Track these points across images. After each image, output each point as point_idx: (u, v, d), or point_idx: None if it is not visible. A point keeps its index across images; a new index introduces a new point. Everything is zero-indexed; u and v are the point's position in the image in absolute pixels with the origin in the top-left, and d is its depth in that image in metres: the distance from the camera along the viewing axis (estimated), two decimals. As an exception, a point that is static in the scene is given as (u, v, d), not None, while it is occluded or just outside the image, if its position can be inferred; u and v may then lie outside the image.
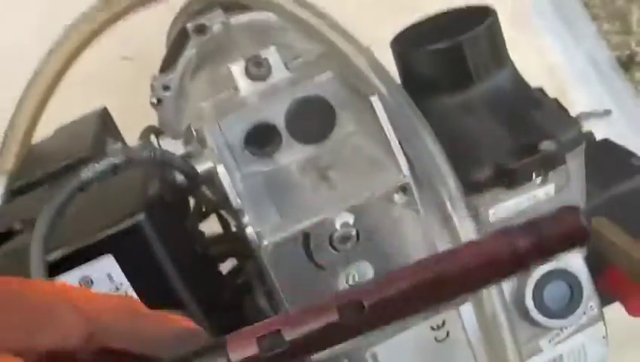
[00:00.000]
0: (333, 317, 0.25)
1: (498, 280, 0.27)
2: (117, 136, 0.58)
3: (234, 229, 0.57)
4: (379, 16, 0.92)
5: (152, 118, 0.79)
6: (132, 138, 0.64)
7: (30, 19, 0.99)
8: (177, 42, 0.68)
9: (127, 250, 0.37)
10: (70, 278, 0.37)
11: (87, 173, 0.36)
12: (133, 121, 0.78)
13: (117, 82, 0.95)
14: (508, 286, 0.48)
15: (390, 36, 0.54)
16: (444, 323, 0.44)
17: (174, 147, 0.51)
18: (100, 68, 0.86)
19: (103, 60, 0.81)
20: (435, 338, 0.44)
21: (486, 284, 0.27)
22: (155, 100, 0.65)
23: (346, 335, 0.25)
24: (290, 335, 0.24)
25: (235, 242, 0.49)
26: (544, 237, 0.27)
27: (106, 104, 0.88)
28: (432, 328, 0.44)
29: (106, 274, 0.38)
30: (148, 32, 0.73)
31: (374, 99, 0.40)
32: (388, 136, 0.40)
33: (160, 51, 0.87)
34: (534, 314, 0.48)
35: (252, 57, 0.47)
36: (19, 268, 0.39)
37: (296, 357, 0.25)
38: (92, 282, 0.38)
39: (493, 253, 0.26)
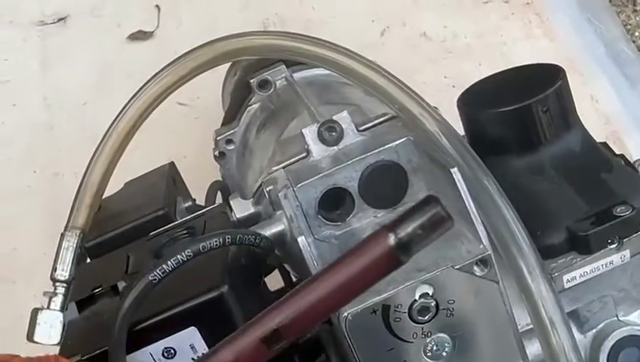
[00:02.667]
0: None
1: None
2: (185, 192, 0.59)
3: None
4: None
5: (204, 160, 0.80)
6: (188, 179, 0.65)
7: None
8: (238, 95, 0.69)
9: (210, 320, 0.38)
10: (153, 350, 0.38)
11: (156, 273, 0.37)
12: (189, 162, 0.79)
13: (172, 125, 0.96)
14: (582, 353, 0.48)
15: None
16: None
17: (244, 207, 0.52)
18: (157, 112, 0.87)
19: (161, 105, 0.83)
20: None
21: None
22: (217, 153, 0.66)
23: None
24: None
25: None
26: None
27: (163, 146, 0.90)
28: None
29: (188, 345, 0.38)
30: (200, 80, 0.75)
31: (454, 171, 0.41)
32: (468, 207, 0.40)
33: (211, 98, 0.89)
34: (609, 382, 0.48)
35: (325, 122, 0.48)
36: (99, 331, 0.40)
37: None
38: (175, 353, 0.38)
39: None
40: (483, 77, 0.58)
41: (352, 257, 0.33)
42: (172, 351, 0.38)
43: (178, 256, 0.37)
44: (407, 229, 0.32)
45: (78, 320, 0.43)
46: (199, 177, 0.68)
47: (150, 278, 0.36)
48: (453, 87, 0.96)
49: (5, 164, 0.93)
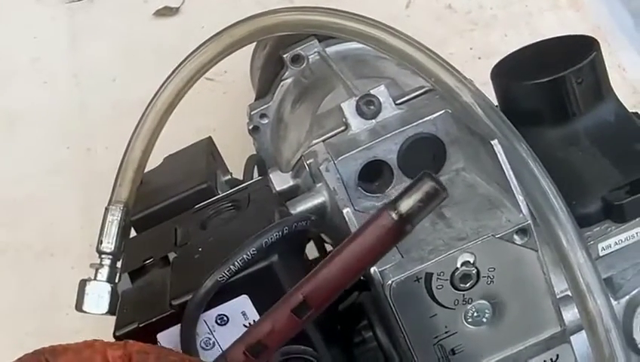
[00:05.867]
0: None
1: None
2: (223, 166, 0.61)
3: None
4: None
5: (233, 133, 0.81)
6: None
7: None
8: (270, 70, 0.70)
9: (261, 288, 0.40)
10: (207, 317, 0.40)
11: (224, 274, 0.39)
12: (218, 135, 0.79)
13: (201, 100, 0.97)
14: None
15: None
16: (557, 357, 0.45)
17: (283, 179, 0.53)
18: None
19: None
20: (549, 372, 0.45)
21: None
22: (251, 127, 0.67)
23: None
24: None
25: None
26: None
27: (192, 120, 0.91)
28: (546, 362, 0.45)
29: (240, 312, 0.40)
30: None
31: (495, 143, 0.42)
32: (508, 178, 0.41)
33: (238, 72, 0.90)
34: (642, 346, 0.49)
35: (363, 96, 0.49)
36: (152, 300, 0.42)
37: None
38: (228, 320, 0.40)
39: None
40: (509, 47, 0.58)
41: (364, 232, 0.37)
42: (225, 317, 0.40)
43: (244, 256, 0.39)
44: (408, 203, 0.37)
45: (132, 290, 0.45)
46: (228, 150, 0.70)
47: (219, 279, 0.39)
48: (479, 58, 0.96)
49: (39, 141, 0.95)
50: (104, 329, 0.64)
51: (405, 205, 0.36)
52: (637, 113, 0.59)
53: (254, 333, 0.37)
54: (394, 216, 0.36)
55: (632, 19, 0.99)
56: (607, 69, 0.57)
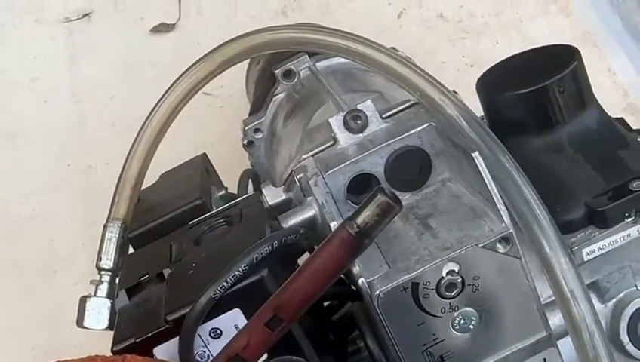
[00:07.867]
0: None
1: None
2: (218, 182, 0.62)
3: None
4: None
5: (231, 147, 0.83)
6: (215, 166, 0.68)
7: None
8: (263, 85, 0.71)
9: (252, 302, 0.41)
10: (201, 331, 0.41)
11: (217, 290, 0.41)
12: (215, 150, 0.81)
13: (198, 115, 0.99)
14: (603, 322, 0.50)
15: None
16: (545, 361, 0.46)
17: (275, 194, 0.55)
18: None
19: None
20: (536, 376, 0.46)
21: None
22: (246, 142, 0.69)
23: None
24: None
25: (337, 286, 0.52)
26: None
27: (190, 135, 0.92)
28: (533, 367, 0.46)
29: (233, 325, 0.41)
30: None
31: (476, 155, 0.43)
32: (490, 189, 0.43)
33: (234, 86, 0.92)
34: (629, 348, 0.50)
35: (350, 111, 0.50)
36: (149, 316, 0.43)
37: None
38: (221, 333, 0.41)
39: None
40: (500, 55, 0.59)
41: (326, 248, 0.40)
42: (218, 331, 0.41)
43: (236, 272, 0.40)
44: (364, 219, 0.39)
45: (129, 307, 0.46)
46: (226, 164, 0.71)
47: (212, 296, 0.40)
48: (472, 66, 0.98)
49: (40, 159, 0.97)
50: (108, 345, 0.66)
51: (362, 221, 0.39)
52: (622, 119, 0.60)
53: (232, 348, 0.39)
54: (352, 231, 0.39)
55: (621, 23, 1.00)
56: (597, 73, 0.59)
